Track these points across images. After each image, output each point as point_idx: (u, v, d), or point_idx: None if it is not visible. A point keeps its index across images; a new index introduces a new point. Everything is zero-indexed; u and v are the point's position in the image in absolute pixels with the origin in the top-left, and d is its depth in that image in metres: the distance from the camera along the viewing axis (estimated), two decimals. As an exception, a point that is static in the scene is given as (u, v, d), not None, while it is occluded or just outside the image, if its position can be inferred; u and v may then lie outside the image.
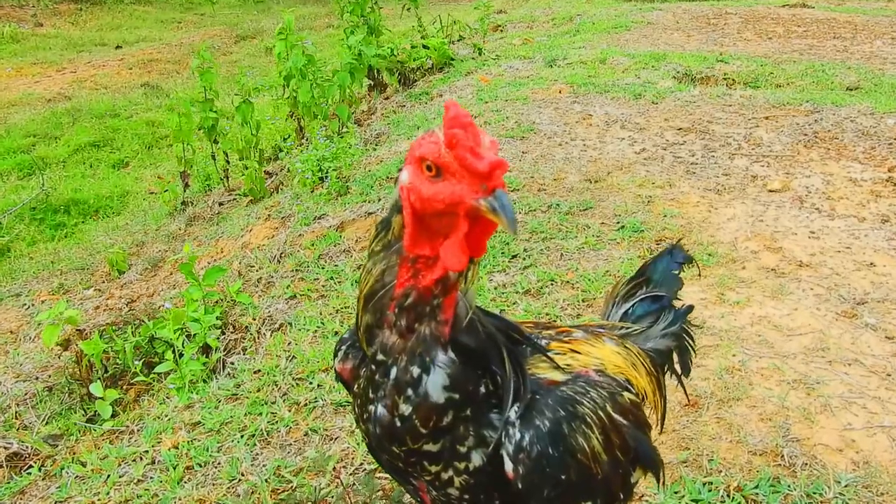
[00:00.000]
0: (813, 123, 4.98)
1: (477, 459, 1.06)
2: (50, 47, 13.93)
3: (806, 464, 2.14)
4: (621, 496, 1.18)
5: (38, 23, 15.38)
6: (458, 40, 8.69)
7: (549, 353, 1.16)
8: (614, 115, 5.31)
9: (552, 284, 3.16)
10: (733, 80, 6.35)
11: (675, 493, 2.02)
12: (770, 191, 4.04)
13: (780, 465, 2.14)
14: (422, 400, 1.02)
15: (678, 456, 2.15)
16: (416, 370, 1.02)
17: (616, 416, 1.15)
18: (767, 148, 4.63)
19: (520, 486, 1.05)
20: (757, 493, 2.02)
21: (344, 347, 1.20)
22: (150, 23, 16.38)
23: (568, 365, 1.18)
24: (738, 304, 2.95)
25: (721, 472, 2.09)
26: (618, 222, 3.68)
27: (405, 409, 1.03)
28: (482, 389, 1.05)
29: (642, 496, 2.01)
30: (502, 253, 3.44)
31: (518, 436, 1.05)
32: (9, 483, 2.45)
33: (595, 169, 4.35)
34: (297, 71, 5.86)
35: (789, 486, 2.05)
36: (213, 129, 5.96)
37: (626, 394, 1.20)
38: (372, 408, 1.07)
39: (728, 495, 2.02)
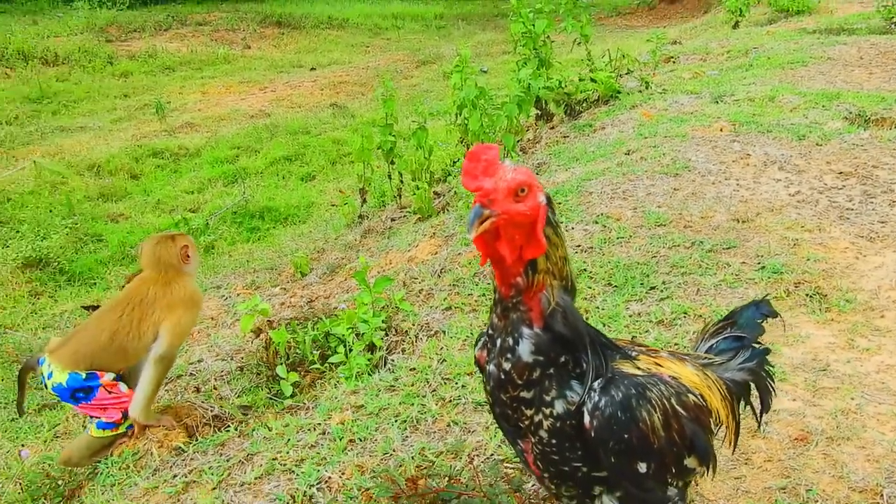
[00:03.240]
0: None
1: (559, 407, 1.46)
2: (255, 68, 15.50)
3: (906, 505, 2.26)
4: (673, 470, 1.53)
5: (247, 45, 17.15)
6: (626, 73, 8.89)
7: (633, 359, 1.52)
8: (773, 156, 5.36)
9: (685, 317, 3.38)
10: (911, 123, 6.15)
11: (769, 513, 2.23)
12: (927, 242, 4.00)
13: (877, 503, 2.28)
14: (517, 360, 1.45)
15: (777, 483, 2.35)
16: (510, 341, 1.45)
17: (678, 407, 1.51)
18: (933, 197, 4.53)
19: (592, 435, 1.44)
20: (850, 525, 2.18)
21: (483, 339, 1.60)
22: (341, 46, 17.75)
23: (647, 369, 1.52)
24: (867, 350, 3.04)
25: (817, 502, 2.27)
26: (759, 263, 3.82)
27: (506, 366, 1.46)
28: (562, 360, 1.46)
29: (732, 508, 2.24)
30: (641, 284, 3.70)
31: (597, 398, 1.45)
32: (213, 436, 3.07)
33: (745, 209, 4.48)
34: (470, 101, 6.36)
35: (884, 523, 2.19)
36: (391, 151, 6.59)
37: (690, 395, 1.54)
38: (488, 367, 1.51)
39: (821, 523, 2.20)
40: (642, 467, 1.47)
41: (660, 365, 1.56)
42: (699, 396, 1.56)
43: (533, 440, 1.51)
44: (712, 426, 1.61)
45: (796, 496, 2.30)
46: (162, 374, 3.28)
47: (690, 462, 1.54)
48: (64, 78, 14.09)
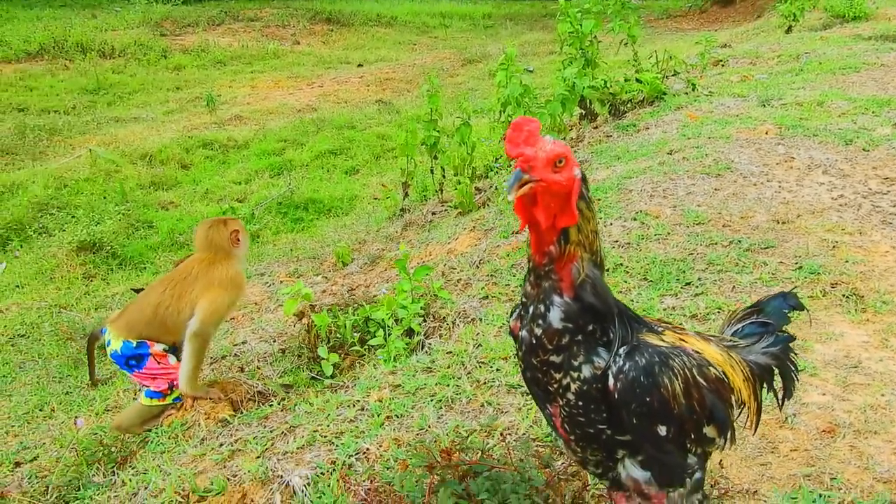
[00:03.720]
0: None
1: (586, 372, 1.56)
2: (303, 63, 15.78)
3: (932, 499, 2.29)
4: (692, 436, 1.62)
5: (296, 41, 17.45)
6: (673, 75, 8.86)
7: (659, 333, 1.60)
8: (818, 160, 5.33)
9: (718, 312, 3.42)
10: (962, 130, 6.04)
11: (793, 499, 2.27)
12: (971, 247, 3.96)
13: (903, 495, 2.31)
14: (547, 326, 1.55)
15: (802, 470, 2.39)
16: (542, 308, 1.55)
17: (699, 378, 1.59)
18: (980, 204, 4.48)
19: (616, 397, 1.54)
20: (871, 513, 2.22)
21: (517, 310, 1.69)
22: (389, 44, 17.96)
23: (672, 342, 1.61)
24: (901, 350, 3.05)
25: (841, 489, 2.31)
26: (796, 263, 3.83)
27: (538, 331, 1.56)
28: (590, 328, 1.56)
29: (756, 491, 2.29)
30: (677, 280, 3.74)
31: (621, 363, 1.54)
32: (257, 410, 3.21)
33: (785, 211, 4.48)
34: (514, 99, 6.44)
35: (908, 514, 2.22)
36: (435, 146, 6.70)
37: (712, 369, 1.61)
38: (521, 333, 1.61)
39: (842, 510, 2.24)
40: (662, 430, 1.56)
41: (684, 341, 1.64)
42: (721, 372, 1.64)
43: (561, 403, 1.60)
44: (733, 401, 1.68)
45: (820, 483, 2.34)
46: (199, 350, 3.39)
47: (709, 431, 1.62)
48: (120, 70, 14.53)
